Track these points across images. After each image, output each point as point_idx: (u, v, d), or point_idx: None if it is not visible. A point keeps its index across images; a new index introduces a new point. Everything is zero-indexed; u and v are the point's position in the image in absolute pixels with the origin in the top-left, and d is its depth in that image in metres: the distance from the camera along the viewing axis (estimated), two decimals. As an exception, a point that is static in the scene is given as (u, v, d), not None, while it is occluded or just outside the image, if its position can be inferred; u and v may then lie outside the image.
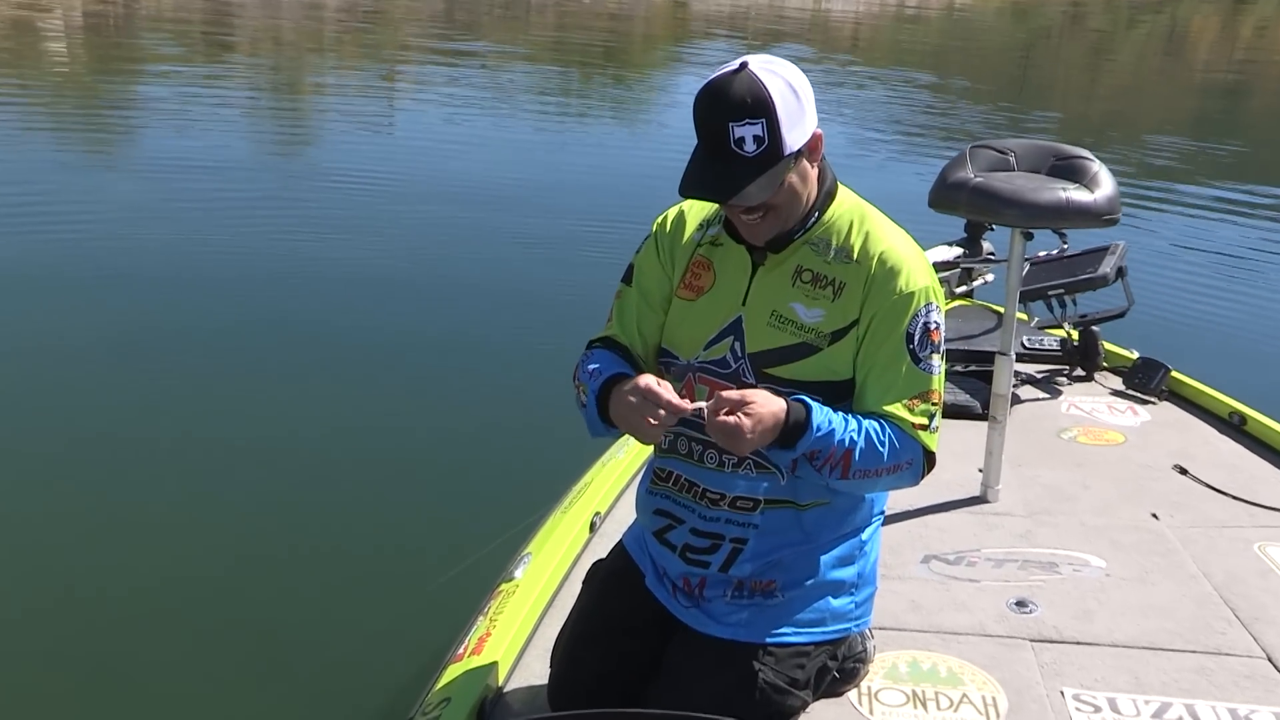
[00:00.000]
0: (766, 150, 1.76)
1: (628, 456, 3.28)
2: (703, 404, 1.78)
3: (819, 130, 1.84)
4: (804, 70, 1.85)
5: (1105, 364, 4.46)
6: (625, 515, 2.56)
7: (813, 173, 1.87)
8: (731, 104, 1.74)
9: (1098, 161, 3.31)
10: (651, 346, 2.02)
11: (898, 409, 1.87)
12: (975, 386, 4.08)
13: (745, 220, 1.85)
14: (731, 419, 1.74)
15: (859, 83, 17.70)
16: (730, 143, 1.75)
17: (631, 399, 1.78)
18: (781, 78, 1.77)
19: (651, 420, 1.76)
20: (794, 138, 1.78)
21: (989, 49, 25.82)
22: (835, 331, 1.87)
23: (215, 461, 4.69)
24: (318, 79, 15.91)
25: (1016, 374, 4.18)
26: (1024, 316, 4.55)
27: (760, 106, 1.74)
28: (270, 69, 16.64)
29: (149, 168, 9.65)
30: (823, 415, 1.81)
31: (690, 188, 1.80)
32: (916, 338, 1.87)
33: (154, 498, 4.39)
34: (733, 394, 1.77)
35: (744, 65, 1.78)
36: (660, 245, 2.02)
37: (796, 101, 1.78)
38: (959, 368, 4.23)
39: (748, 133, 1.75)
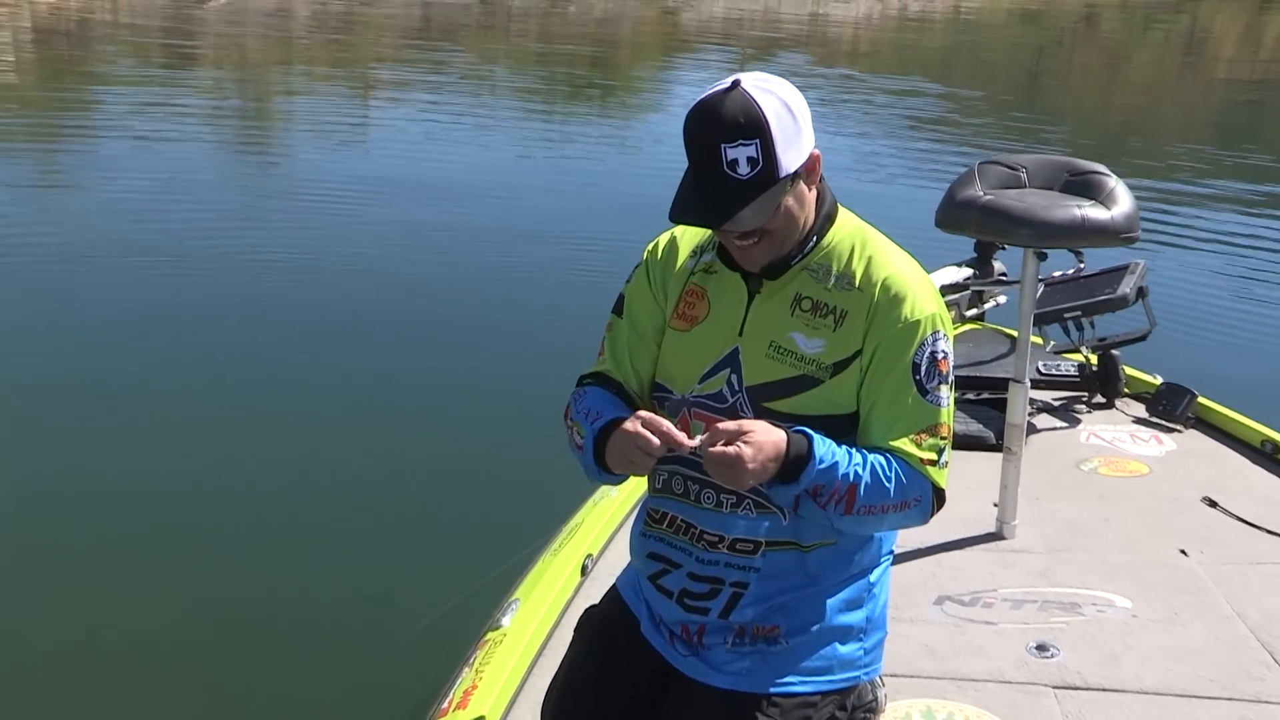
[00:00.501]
0: (761, 172, 1.77)
1: (621, 495, 3.29)
2: (699, 439, 1.79)
3: (817, 150, 1.86)
4: (801, 82, 1.87)
5: (1127, 390, 4.49)
6: (619, 557, 2.57)
7: (810, 195, 1.89)
8: (723, 124, 1.76)
9: (1114, 176, 3.35)
10: (645, 381, 2.02)
11: (904, 444, 1.88)
12: (988, 415, 4.10)
13: (739, 246, 1.87)
14: (730, 448, 1.75)
15: (860, 94, 17.81)
16: (723, 165, 1.76)
17: (627, 427, 1.80)
18: (776, 96, 1.79)
19: (645, 449, 1.77)
20: (790, 159, 1.80)
21: (997, 55, 26.01)
22: (837, 363, 1.88)
23: (182, 504, 4.68)
24: (288, 93, 15.96)
25: (1032, 402, 4.21)
26: (1039, 340, 4.58)
27: (754, 127, 1.76)
28: (237, 82, 16.70)
29: (105, 186, 9.66)
30: (825, 447, 1.82)
31: (681, 213, 1.81)
32: (923, 368, 1.88)
33: (122, 539, 4.38)
34: (729, 425, 1.78)
35: (736, 83, 1.79)
36: (652, 274, 2.03)
37: (792, 121, 1.80)
38: (970, 395, 4.25)
39: (741, 154, 1.76)
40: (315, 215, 9.04)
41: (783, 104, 1.79)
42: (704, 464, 1.78)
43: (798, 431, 1.82)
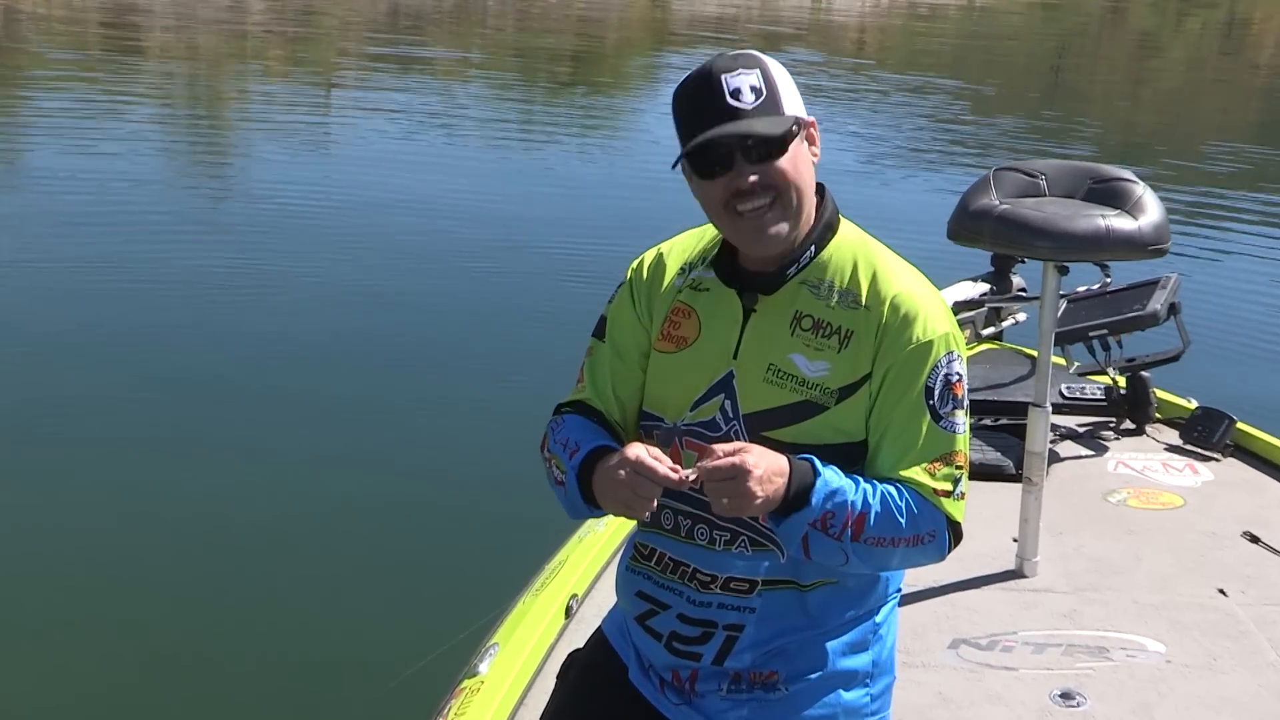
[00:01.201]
0: (767, 100, 1.85)
1: (608, 530, 3.31)
2: (696, 467, 1.78)
3: (814, 119, 1.93)
4: (802, 79, 1.94)
5: (1158, 415, 4.52)
6: (606, 598, 2.59)
7: (811, 170, 1.92)
8: (720, 61, 1.86)
9: (1142, 183, 3.38)
10: (630, 410, 2.04)
11: (917, 473, 1.90)
12: (1007, 443, 4.12)
13: (746, 214, 1.87)
14: (735, 458, 1.76)
15: (864, 93, 17.91)
16: (726, 96, 1.83)
17: (620, 473, 1.80)
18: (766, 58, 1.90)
19: (646, 495, 1.79)
20: (791, 101, 1.88)
21: (1016, 49, 26.19)
22: (844, 387, 1.90)
23: (138, 547, 4.66)
24: (242, 90, 15.98)
25: (1054, 428, 4.23)
26: (1061, 361, 4.62)
27: (752, 59, 1.86)
28: (185, 78, 16.72)
29: (36, 191, 9.61)
30: (830, 471, 1.85)
31: (694, 140, 1.84)
32: (937, 392, 1.90)
33: (70, 594, 4.36)
34: (726, 446, 1.80)
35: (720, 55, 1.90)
36: (636, 294, 2.05)
37: (786, 76, 1.89)
38: (988, 421, 4.27)
39: (744, 82, 1.84)
40: (272, 225, 9.04)
41: (775, 62, 1.89)
42: (705, 488, 1.78)
43: (800, 458, 1.84)
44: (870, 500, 1.85)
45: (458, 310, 7.50)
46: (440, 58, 19.67)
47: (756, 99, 1.83)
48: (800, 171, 1.88)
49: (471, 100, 15.91)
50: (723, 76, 1.83)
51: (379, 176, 10.61)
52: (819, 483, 1.82)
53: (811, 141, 1.92)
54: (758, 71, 1.84)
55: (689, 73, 1.89)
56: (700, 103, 1.85)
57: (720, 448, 1.79)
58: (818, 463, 1.84)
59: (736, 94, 1.83)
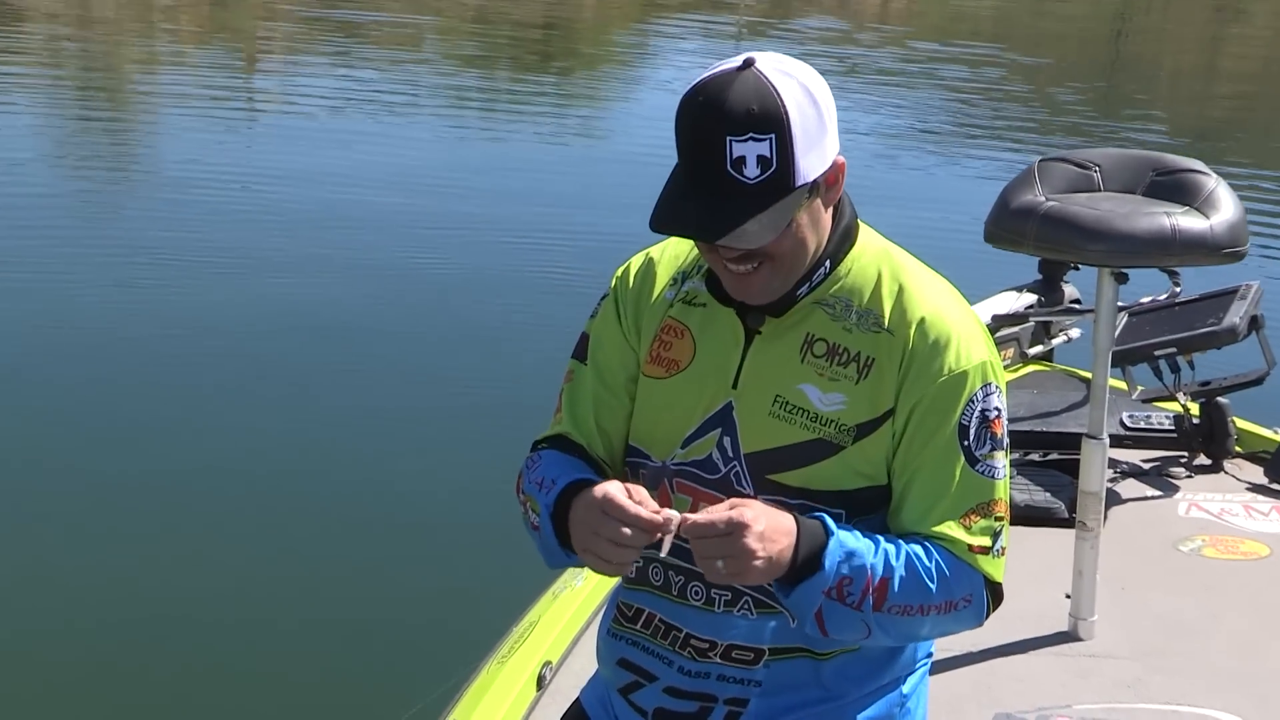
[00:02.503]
0: (773, 177, 1.81)
1: (587, 586, 3.32)
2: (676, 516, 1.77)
3: (841, 158, 1.90)
4: (813, 55, 1.91)
5: (1239, 448, 4.53)
6: (585, 665, 2.60)
7: (827, 214, 1.92)
8: (732, 112, 1.79)
9: (1214, 176, 3.39)
10: (616, 444, 2.05)
11: (949, 527, 1.90)
12: (1058, 482, 4.14)
13: (733, 272, 1.89)
14: (731, 511, 1.76)
15: (889, 68, 17.96)
16: (726, 164, 1.80)
17: (587, 519, 1.80)
18: (798, 82, 1.83)
19: (614, 544, 1.78)
20: (810, 164, 1.84)
21: (1068, 14, 26.28)
22: (862, 424, 1.91)
23: (64, 621, 4.64)
24: (146, 60, 15.94)
25: (1114, 464, 4.25)
26: (1123, 385, 4.63)
27: (770, 119, 1.80)
28: (77, 46, 16.68)
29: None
30: (844, 531, 1.85)
31: (667, 222, 1.84)
32: (972, 431, 1.91)
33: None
34: (719, 506, 1.79)
35: (749, 63, 1.84)
36: (622, 307, 2.06)
37: (817, 116, 1.84)
38: (1035, 456, 4.29)
39: (751, 152, 1.80)
40: (181, 223, 8.98)
41: (806, 94, 1.83)
42: (693, 547, 1.78)
43: (811, 517, 1.84)
44: (893, 562, 1.86)
45: (407, 317, 7.49)
46: (386, 24, 19.68)
47: (762, 173, 1.80)
48: (801, 238, 1.88)
49: (422, 76, 15.92)
50: (728, 139, 1.79)
51: (313, 167, 10.57)
52: (832, 543, 1.83)
53: (832, 185, 1.90)
54: (771, 139, 1.79)
55: (705, 78, 1.84)
56: (695, 159, 1.83)
57: (716, 507, 1.79)
58: (830, 521, 1.85)
59: (739, 164, 1.80)
